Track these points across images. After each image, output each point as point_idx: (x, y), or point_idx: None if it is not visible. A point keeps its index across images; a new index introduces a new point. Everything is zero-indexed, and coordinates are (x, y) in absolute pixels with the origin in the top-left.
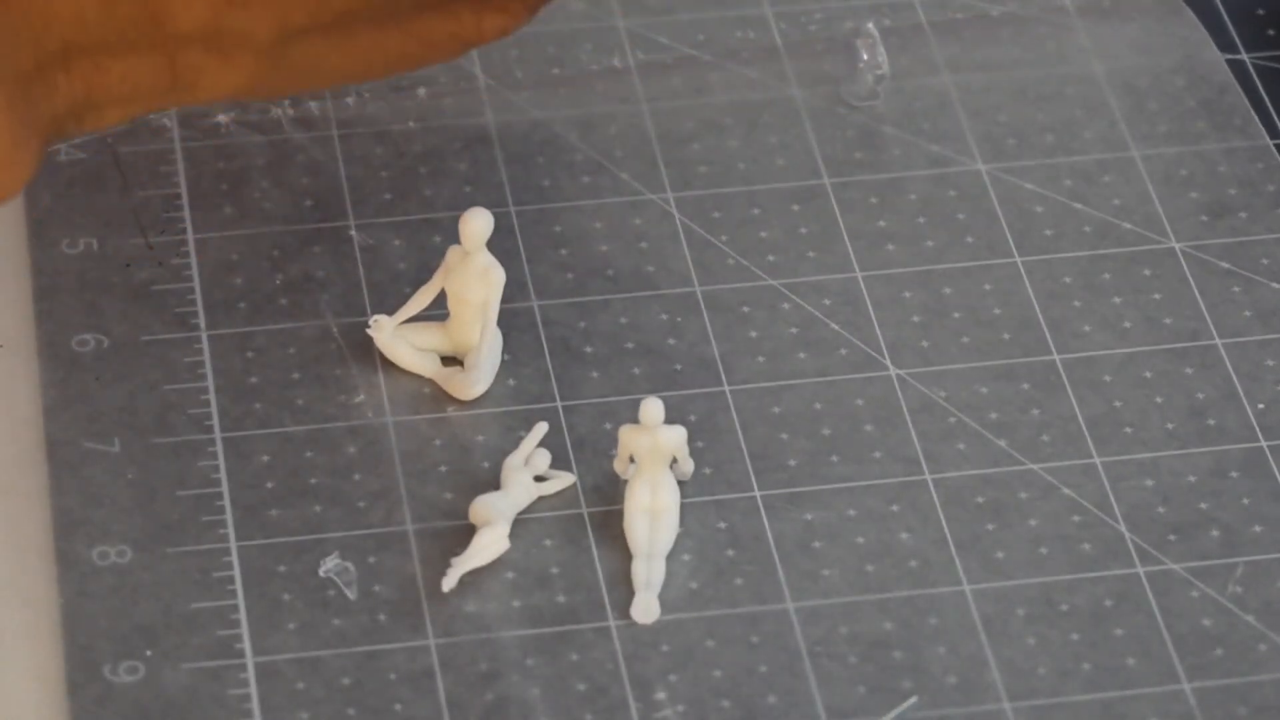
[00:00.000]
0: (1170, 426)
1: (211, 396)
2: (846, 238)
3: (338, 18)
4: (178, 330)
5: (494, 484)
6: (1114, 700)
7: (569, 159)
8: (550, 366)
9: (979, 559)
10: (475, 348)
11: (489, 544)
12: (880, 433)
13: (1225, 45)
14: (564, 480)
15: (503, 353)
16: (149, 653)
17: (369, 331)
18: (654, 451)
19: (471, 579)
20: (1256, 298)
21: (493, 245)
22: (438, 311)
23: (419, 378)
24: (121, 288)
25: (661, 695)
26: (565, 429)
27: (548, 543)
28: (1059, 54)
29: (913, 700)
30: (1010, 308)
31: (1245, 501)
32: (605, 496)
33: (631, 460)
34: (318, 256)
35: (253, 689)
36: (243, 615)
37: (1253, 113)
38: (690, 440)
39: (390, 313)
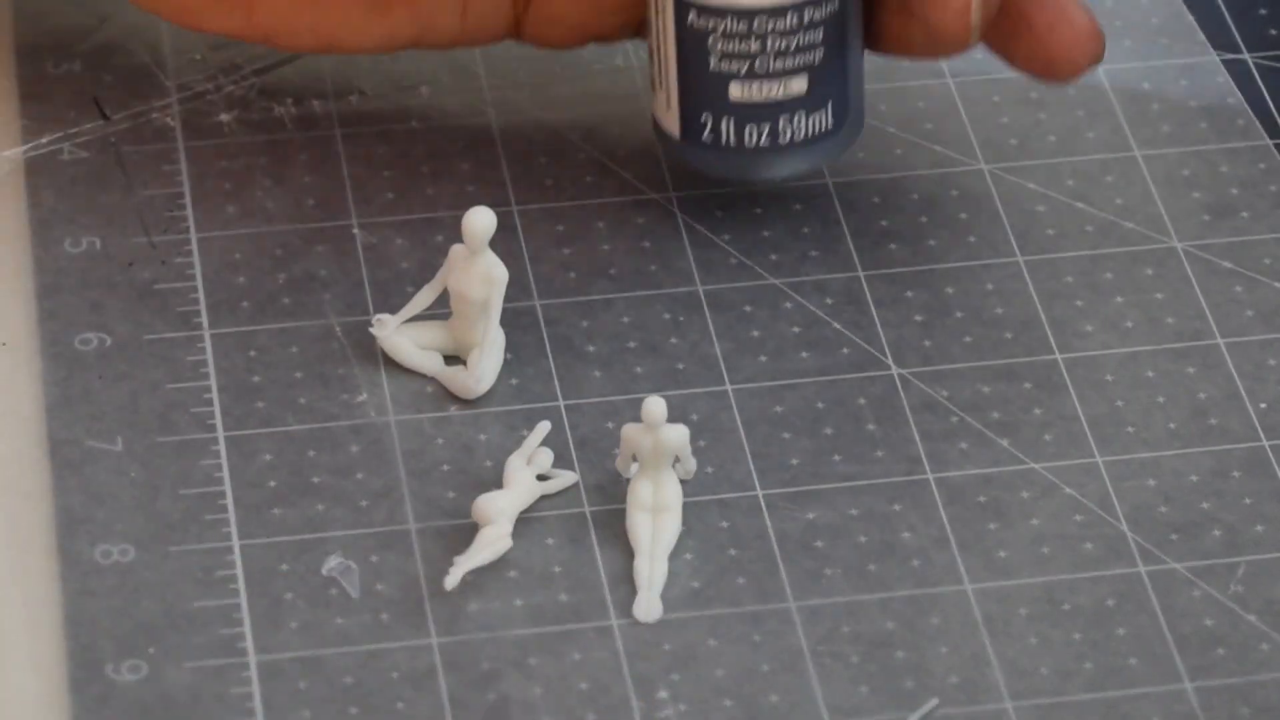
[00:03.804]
0: (1172, 426)
1: (214, 395)
2: (849, 237)
3: None
4: (180, 329)
5: (496, 483)
6: (1116, 700)
7: (571, 158)
8: (553, 365)
9: (981, 558)
10: (478, 346)
11: (491, 543)
12: (882, 432)
13: (1227, 45)
14: (566, 479)
15: (505, 352)
16: (151, 651)
17: (372, 330)
18: (656, 450)
19: (474, 578)
20: (1259, 297)
21: (495, 244)
22: (440, 310)
23: (422, 376)
24: (124, 287)
25: (663, 694)
26: (568, 428)
27: (550, 542)
28: None
29: (934, 703)
30: (1012, 307)
31: (1247, 501)
32: (607, 495)
33: (634, 459)
34: (320, 255)
35: (255, 688)
36: (245, 614)
37: (1254, 113)
38: (692, 439)
39: (393, 311)
